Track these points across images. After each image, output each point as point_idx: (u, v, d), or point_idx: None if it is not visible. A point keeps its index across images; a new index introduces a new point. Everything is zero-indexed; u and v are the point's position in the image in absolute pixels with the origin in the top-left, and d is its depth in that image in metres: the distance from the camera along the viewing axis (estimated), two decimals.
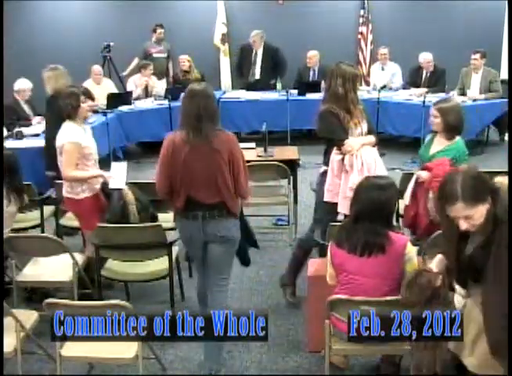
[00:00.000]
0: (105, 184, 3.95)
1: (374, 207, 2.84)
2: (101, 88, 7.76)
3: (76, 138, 3.81)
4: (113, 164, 4.08)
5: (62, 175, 3.88)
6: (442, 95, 7.59)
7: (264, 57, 8.44)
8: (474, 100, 7.27)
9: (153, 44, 8.85)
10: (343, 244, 2.90)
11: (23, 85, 6.64)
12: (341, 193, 3.58)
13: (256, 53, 8.52)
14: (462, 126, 3.82)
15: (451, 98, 4.27)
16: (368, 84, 8.71)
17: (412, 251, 2.87)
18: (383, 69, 8.35)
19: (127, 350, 2.87)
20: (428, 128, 6.95)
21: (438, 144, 3.85)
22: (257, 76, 8.53)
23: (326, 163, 3.73)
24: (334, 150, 3.63)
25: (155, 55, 8.82)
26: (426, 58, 7.83)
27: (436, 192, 3.43)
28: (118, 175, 3.96)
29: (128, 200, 3.89)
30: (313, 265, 3.49)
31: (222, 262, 3.26)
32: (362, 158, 3.56)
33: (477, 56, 7.34)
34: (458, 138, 3.84)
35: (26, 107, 6.74)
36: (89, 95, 4.10)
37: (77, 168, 3.83)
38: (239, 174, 3.11)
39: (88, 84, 7.81)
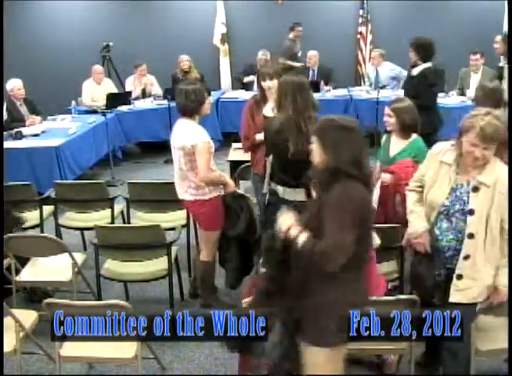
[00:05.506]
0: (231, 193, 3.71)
1: None
2: (102, 88, 7.75)
3: (206, 137, 3.58)
4: None
5: (198, 177, 3.58)
6: (442, 95, 7.60)
7: None
8: (473, 100, 7.26)
9: (294, 43, 8.70)
10: None
11: (16, 84, 6.47)
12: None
13: None
14: (417, 125, 3.80)
15: (405, 98, 4.25)
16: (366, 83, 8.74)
17: None
18: (377, 71, 8.34)
19: (126, 350, 2.87)
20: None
21: (396, 145, 3.82)
22: None
23: None
24: None
25: (299, 54, 8.78)
26: None
27: (403, 195, 3.40)
28: None
29: (252, 211, 3.69)
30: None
31: None
32: None
33: (478, 56, 7.35)
34: (414, 136, 3.81)
35: (20, 107, 6.60)
36: (209, 92, 3.80)
37: None
38: None
39: (89, 83, 7.82)
